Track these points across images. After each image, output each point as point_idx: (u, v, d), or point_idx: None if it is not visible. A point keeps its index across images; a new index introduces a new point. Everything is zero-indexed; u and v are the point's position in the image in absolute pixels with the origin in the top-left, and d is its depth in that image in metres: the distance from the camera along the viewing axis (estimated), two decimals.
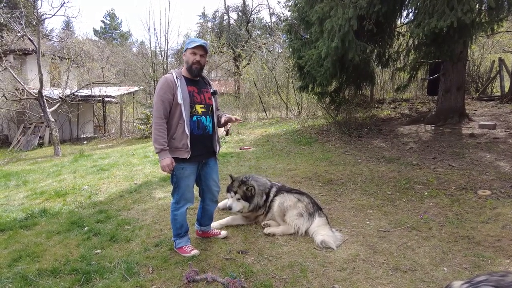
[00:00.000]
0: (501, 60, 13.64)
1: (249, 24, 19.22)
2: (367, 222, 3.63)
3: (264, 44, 15.76)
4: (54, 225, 3.92)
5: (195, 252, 2.98)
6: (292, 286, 2.46)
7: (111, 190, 5.31)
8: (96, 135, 16.95)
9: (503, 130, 7.39)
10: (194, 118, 2.83)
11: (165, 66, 14.92)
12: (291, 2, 10.45)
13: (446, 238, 3.14)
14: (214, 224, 3.53)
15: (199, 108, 2.85)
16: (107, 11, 52.96)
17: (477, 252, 2.82)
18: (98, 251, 3.15)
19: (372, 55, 8.64)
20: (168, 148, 2.73)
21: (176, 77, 2.76)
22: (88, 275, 2.68)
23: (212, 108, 2.97)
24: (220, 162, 6.73)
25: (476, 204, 3.85)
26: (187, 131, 2.76)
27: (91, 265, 2.84)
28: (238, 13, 21.53)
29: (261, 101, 15.17)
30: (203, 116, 2.88)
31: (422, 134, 7.98)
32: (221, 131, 10.22)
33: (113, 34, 49.41)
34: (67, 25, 43.90)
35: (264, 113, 15.50)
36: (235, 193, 3.48)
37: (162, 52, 15.08)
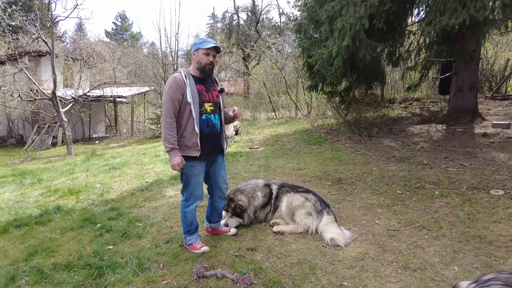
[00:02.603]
0: None
1: (259, 24, 19.24)
2: (377, 221, 3.61)
3: (274, 44, 15.75)
4: (68, 221, 4.02)
5: (205, 248, 3.01)
6: (301, 283, 2.48)
7: (122, 188, 5.41)
8: (107, 135, 17.21)
9: None
10: (204, 117, 2.87)
11: (175, 66, 15.05)
12: (300, 2, 10.43)
13: (457, 237, 3.10)
14: (225, 223, 3.57)
15: (208, 107, 2.89)
16: (118, 13, 53.59)
17: (489, 252, 2.78)
18: (110, 247, 3.22)
19: (383, 54, 8.56)
20: (178, 147, 2.77)
21: (185, 76, 2.80)
22: (101, 270, 2.74)
23: (219, 106, 3.00)
24: (230, 161, 6.79)
25: (489, 204, 3.79)
26: (197, 130, 2.80)
27: (104, 261, 2.91)
28: (247, 13, 21.62)
29: (271, 101, 15.18)
30: (212, 114, 2.92)
31: (434, 133, 7.88)
32: (230, 131, 10.27)
33: (124, 35, 50.04)
34: (80, 27, 44.80)
35: (274, 113, 15.51)
36: (227, 211, 3.51)
37: (173, 53, 15.26)
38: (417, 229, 3.36)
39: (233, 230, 3.41)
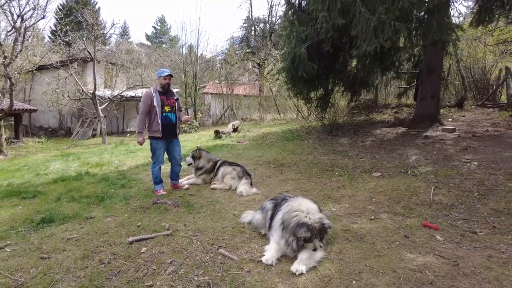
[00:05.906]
0: (507, 69, 14.14)
1: (272, 35, 21.23)
2: (282, 187, 5.48)
3: (279, 54, 17.63)
4: (92, 179, 6.32)
5: (163, 192, 5.11)
6: (205, 207, 4.46)
7: (132, 164, 7.69)
8: None
9: (457, 134, 8.55)
10: (164, 114, 4.95)
11: (194, 72, 17.44)
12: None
13: (316, 195, 4.89)
14: (183, 182, 5.65)
15: (166, 108, 4.97)
16: (158, 17, 57.82)
17: (326, 202, 4.56)
18: (112, 190, 5.42)
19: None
20: (143, 131, 4.88)
21: (153, 91, 4.91)
22: (103, 198, 4.94)
23: (175, 108, 5.07)
24: (215, 150, 8.86)
25: (362, 180, 5.51)
26: (159, 122, 4.89)
27: (105, 195, 5.10)
28: (263, 24, 23.73)
29: (276, 103, 17.07)
30: (169, 113, 5.00)
31: (390, 135, 9.35)
32: (228, 128, 12.36)
33: (162, 39, 53.97)
34: (124, 31, 49.52)
35: (279, 115, 17.37)
36: (191, 154, 5.64)
37: (192, 60, 17.66)
38: (301, 192, 5.18)
39: (186, 186, 5.48)
